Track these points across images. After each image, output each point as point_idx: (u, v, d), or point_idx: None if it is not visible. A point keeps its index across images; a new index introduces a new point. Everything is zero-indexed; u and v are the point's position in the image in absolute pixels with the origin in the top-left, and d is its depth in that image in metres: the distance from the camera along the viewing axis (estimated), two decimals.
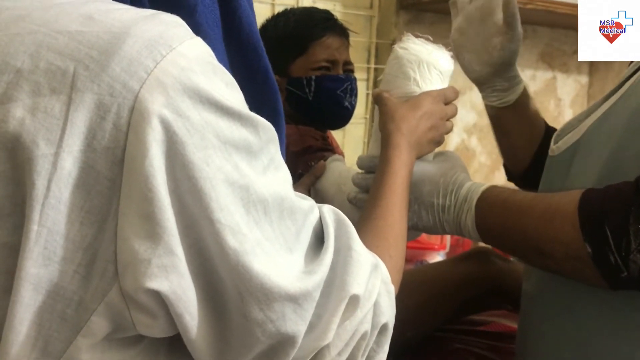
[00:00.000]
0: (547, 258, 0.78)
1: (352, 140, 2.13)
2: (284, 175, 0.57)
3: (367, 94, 2.11)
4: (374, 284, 0.62)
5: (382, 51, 2.13)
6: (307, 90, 1.24)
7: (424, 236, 1.49)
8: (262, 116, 0.54)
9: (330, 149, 1.23)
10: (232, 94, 0.51)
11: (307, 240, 0.58)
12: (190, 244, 0.49)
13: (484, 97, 1.09)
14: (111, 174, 0.47)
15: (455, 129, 2.31)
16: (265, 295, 0.51)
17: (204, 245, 0.49)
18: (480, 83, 1.08)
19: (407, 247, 1.67)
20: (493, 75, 1.05)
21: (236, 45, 0.61)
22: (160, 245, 0.47)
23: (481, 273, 1.18)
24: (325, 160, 1.14)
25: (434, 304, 1.21)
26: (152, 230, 0.47)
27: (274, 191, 0.53)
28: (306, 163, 1.17)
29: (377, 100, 0.93)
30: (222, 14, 0.60)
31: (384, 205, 0.79)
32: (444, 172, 0.90)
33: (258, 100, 0.57)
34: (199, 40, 0.51)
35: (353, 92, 1.28)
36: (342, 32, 1.30)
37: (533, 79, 2.50)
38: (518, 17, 0.98)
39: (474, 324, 1.23)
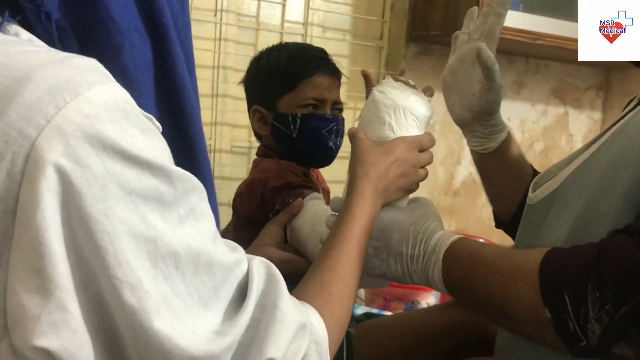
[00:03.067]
0: (510, 319, 0.75)
1: None
2: (206, 227, 0.54)
3: None
4: (299, 346, 0.60)
5: None
6: (292, 127, 1.22)
7: None
8: (187, 161, 0.52)
9: (310, 186, 1.20)
10: (147, 141, 0.49)
11: (228, 296, 0.56)
12: (89, 298, 0.47)
13: (467, 141, 1.07)
14: (3, 225, 0.45)
15: (462, 161, 2.31)
16: (164, 356, 0.49)
17: (103, 299, 0.48)
18: (461, 126, 1.07)
19: (400, 287, 1.64)
20: (472, 120, 1.03)
21: (167, 88, 0.60)
22: (50, 301, 0.45)
23: (467, 321, 1.16)
24: (304, 197, 1.11)
25: (419, 351, 1.18)
26: (42, 285, 0.45)
27: (188, 244, 0.51)
28: (284, 199, 1.15)
29: (352, 139, 0.92)
30: (154, 56, 0.58)
31: (336, 255, 0.76)
32: (415, 220, 0.87)
33: (182, 147, 0.55)
34: (112, 85, 0.49)
35: (339, 133, 1.26)
36: (333, 72, 1.27)
37: (544, 114, 2.46)
38: (494, 69, 0.95)
39: None
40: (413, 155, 0.89)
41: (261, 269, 0.60)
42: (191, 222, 0.52)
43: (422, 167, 0.92)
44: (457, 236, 0.85)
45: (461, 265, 0.81)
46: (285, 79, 1.24)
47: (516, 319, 0.73)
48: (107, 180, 0.46)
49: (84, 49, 0.53)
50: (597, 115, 2.60)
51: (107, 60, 0.51)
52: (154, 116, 0.52)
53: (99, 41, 0.55)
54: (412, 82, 0.95)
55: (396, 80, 0.94)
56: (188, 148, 0.60)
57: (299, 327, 0.60)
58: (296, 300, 0.64)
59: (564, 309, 0.68)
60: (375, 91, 0.94)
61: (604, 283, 0.66)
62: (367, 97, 0.98)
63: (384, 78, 1.04)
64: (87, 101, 0.46)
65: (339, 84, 1.29)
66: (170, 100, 0.60)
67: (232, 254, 0.58)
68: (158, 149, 0.51)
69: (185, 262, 0.51)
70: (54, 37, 0.54)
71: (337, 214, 0.93)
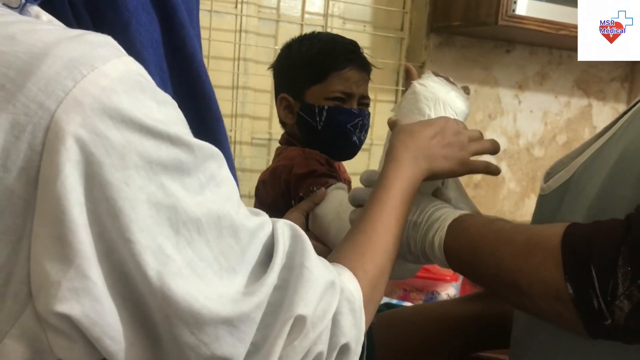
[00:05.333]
0: (523, 295, 0.71)
1: (376, 162, 2.11)
2: (228, 192, 0.55)
3: None
4: (328, 303, 0.60)
5: None
6: (317, 118, 1.22)
7: (436, 267, 1.46)
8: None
9: (334, 175, 1.21)
10: (164, 112, 0.51)
11: (254, 259, 0.57)
12: (112, 266, 0.48)
13: None
14: (25, 194, 0.46)
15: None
16: (195, 318, 0.50)
17: (126, 268, 0.49)
18: None
19: (419, 277, 1.64)
20: None
21: (179, 66, 0.60)
22: (71, 268, 0.46)
23: (489, 313, 1.16)
24: (328, 187, 1.12)
25: (440, 341, 1.18)
26: (63, 252, 0.46)
27: (209, 210, 0.52)
28: (308, 187, 1.15)
29: (391, 125, 0.94)
30: (163, 35, 0.59)
31: (370, 219, 0.77)
32: (430, 197, 0.87)
33: (199, 125, 0.56)
34: (127, 59, 0.50)
35: (364, 128, 1.26)
36: (364, 66, 1.28)
37: (568, 105, 2.44)
38: None
39: None
40: (453, 126, 0.89)
41: (286, 231, 0.61)
42: (212, 188, 0.53)
43: (472, 140, 0.90)
44: (468, 212, 0.83)
45: (470, 235, 0.78)
46: (315, 70, 1.24)
47: (531, 295, 0.70)
48: (126, 149, 0.47)
49: (97, 27, 0.54)
50: (622, 107, 2.56)
51: (116, 38, 0.52)
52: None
53: (108, 19, 0.56)
54: (451, 79, 0.98)
55: (436, 75, 0.97)
56: (206, 127, 0.60)
57: (328, 285, 0.60)
58: (325, 260, 0.64)
59: (589, 284, 0.64)
60: (416, 84, 0.96)
61: (637, 256, 0.63)
62: (406, 89, 1.00)
63: (405, 70, 1.06)
64: (103, 74, 0.47)
65: (368, 79, 1.29)
66: (182, 80, 0.60)
67: (256, 218, 0.59)
68: (174, 120, 0.52)
69: (207, 227, 0.51)
70: (68, 14, 0.55)
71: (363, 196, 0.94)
